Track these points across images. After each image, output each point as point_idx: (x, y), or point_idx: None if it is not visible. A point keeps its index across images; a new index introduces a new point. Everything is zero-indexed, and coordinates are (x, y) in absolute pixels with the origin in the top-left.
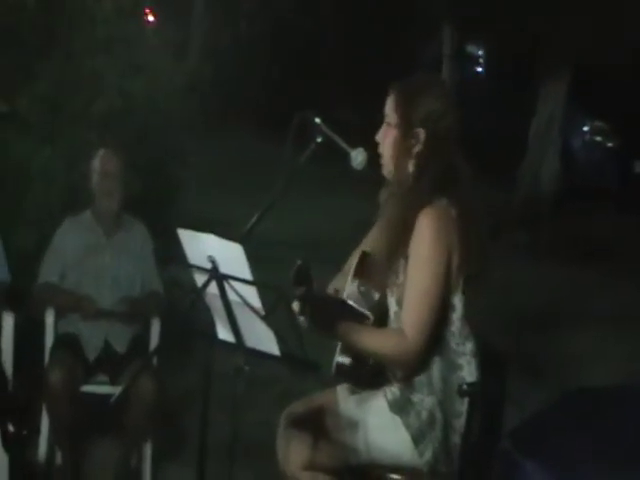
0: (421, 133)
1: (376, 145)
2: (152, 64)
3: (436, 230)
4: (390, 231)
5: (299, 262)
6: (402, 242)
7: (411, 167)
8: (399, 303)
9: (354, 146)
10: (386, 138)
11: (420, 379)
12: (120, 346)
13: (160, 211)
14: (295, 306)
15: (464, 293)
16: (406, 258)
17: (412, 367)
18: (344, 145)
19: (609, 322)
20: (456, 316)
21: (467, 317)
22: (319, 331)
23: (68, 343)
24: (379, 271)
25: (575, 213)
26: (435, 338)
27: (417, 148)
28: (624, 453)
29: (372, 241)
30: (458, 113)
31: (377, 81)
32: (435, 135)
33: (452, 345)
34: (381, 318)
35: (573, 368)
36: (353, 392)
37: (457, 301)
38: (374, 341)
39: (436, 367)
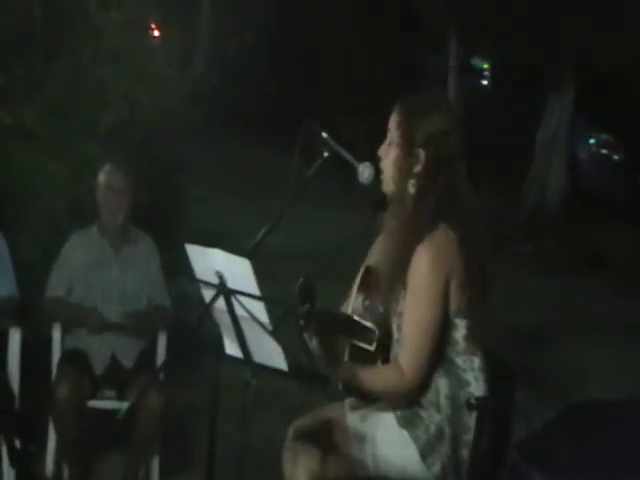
0: (421, 154)
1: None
2: (158, 75)
3: (432, 266)
4: (390, 261)
5: (302, 279)
6: (401, 273)
7: (411, 187)
8: (399, 330)
9: (360, 160)
10: (387, 156)
11: (427, 398)
12: (127, 360)
13: (167, 224)
14: (301, 323)
15: (466, 315)
16: (405, 287)
17: (410, 398)
18: (351, 159)
19: (616, 333)
20: (460, 336)
21: (473, 333)
22: (323, 350)
23: (75, 358)
24: (383, 286)
25: (581, 224)
26: (439, 361)
27: (417, 168)
28: (631, 465)
29: (375, 256)
30: (461, 132)
31: (382, 93)
32: (436, 156)
33: (459, 363)
34: (386, 332)
35: (580, 380)
36: (361, 406)
37: (460, 322)
38: (372, 381)
39: (443, 386)
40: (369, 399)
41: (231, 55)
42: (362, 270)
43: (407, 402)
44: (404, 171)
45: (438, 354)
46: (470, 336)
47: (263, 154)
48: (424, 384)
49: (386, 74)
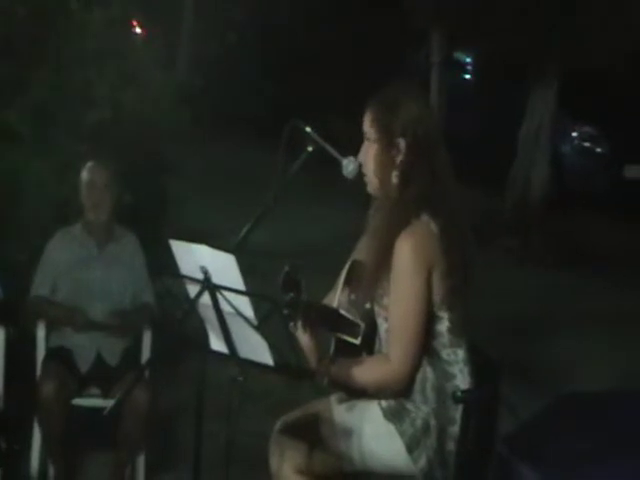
0: (401, 143)
1: None
2: (142, 75)
3: (414, 257)
4: (373, 253)
5: (287, 268)
6: (385, 264)
7: (395, 178)
8: (386, 322)
9: (345, 155)
10: (367, 154)
11: (414, 390)
12: (112, 358)
13: (152, 222)
14: (285, 312)
15: (449, 306)
16: (389, 278)
17: (401, 391)
18: (335, 154)
19: (601, 326)
20: (444, 327)
21: (457, 326)
22: (310, 341)
23: (60, 356)
24: (367, 278)
25: (565, 218)
26: (425, 351)
27: (400, 158)
28: (618, 456)
29: (362, 250)
30: (436, 117)
31: (366, 91)
32: (415, 142)
33: (443, 355)
34: (371, 326)
35: (565, 372)
36: (347, 400)
37: (443, 314)
38: (361, 374)
39: (429, 378)
40: (356, 393)
41: (215, 55)
42: (348, 264)
43: (395, 393)
44: (386, 164)
45: (425, 344)
46: (453, 328)
47: (249, 154)
48: (413, 375)
49: (370, 72)
